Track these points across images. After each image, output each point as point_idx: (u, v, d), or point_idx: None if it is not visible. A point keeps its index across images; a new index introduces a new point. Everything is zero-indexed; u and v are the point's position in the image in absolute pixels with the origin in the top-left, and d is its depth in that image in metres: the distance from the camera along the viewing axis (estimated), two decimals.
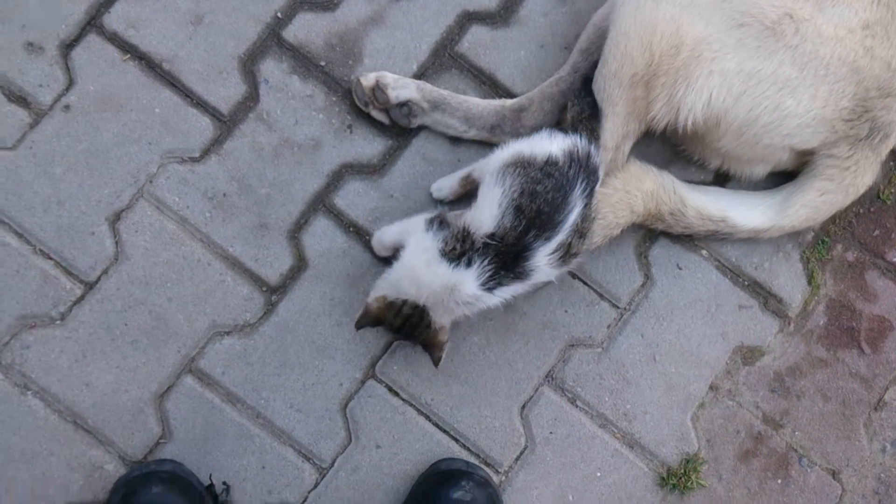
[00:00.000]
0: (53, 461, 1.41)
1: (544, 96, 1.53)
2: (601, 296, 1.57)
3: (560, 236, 1.27)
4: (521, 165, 1.28)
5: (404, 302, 1.30)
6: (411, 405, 1.50)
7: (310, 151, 1.54)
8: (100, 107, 1.50)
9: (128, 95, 1.51)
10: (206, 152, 1.52)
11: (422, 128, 1.56)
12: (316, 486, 1.46)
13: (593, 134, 1.39)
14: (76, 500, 1.41)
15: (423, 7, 1.60)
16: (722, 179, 1.61)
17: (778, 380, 1.58)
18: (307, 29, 1.57)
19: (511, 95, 1.59)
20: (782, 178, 1.58)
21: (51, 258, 1.46)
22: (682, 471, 1.52)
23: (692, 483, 1.51)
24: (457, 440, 1.50)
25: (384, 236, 1.46)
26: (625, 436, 1.54)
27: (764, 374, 1.58)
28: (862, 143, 1.45)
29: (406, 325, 1.32)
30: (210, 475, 1.43)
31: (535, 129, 1.46)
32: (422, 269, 1.28)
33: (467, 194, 1.49)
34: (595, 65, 1.46)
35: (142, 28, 1.53)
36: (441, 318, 1.32)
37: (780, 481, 1.55)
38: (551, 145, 1.32)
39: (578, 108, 1.42)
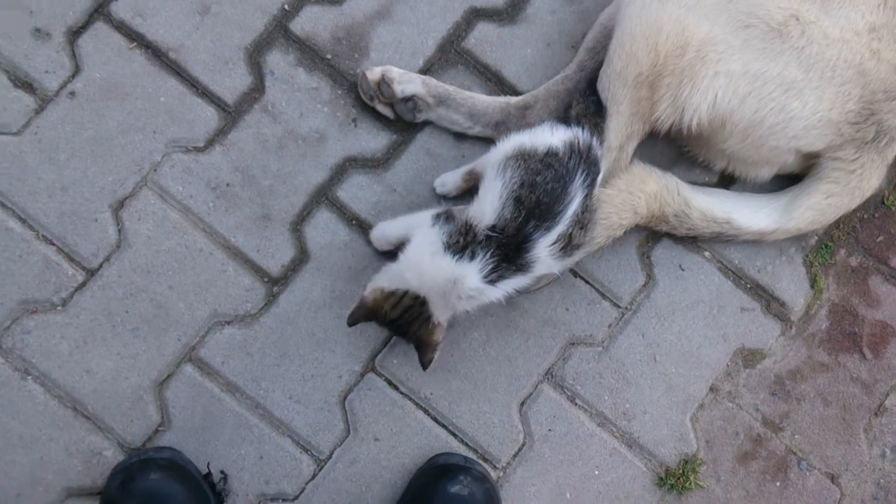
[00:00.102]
0: (52, 446, 1.42)
1: (550, 94, 1.53)
2: (603, 295, 1.56)
3: (560, 227, 1.27)
4: (522, 157, 1.28)
5: (405, 293, 1.29)
6: (410, 399, 1.50)
7: (314, 144, 1.55)
8: (105, 94, 1.51)
9: (133, 84, 1.52)
10: (210, 142, 1.52)
11: (426, 123, 1.56)
12: (314, 477, 1.46)
13: (597, 130, 1.38)
14: (74, 485, 1.41)
15: (431, 2, 1.60)
16: (726, 182, 1.61)
17: (778, 383, 1.58)
18: (314, 22, 1.58)
19: (517, 93, 1.59)
20: (787, 181, 1.58)
21: (53, 244, 1.46)
22: (681, 471, 1.52)
23: (690, 483, 1.51)
24: (455, 435, 1.50)
25: (388, 231, 1.46)
26: (623, 435, 1.53)
27: (764, 377, 1.58)
28: (868, 146, 1.44)
29: (403, 318, 1.31)
30: (208, 464, 1.43)
31: None
32: (426, 262, 1.27)
33: (470, 190, 1.49)
34: (601, 64, 1.46)
35: (149, 17, 1.53)
36: (440, 314, 1.32)
37: (778, 484, 1.55)
38: (552, 137, 1.31)
39: (583, 107, 1.42)
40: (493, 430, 1.51)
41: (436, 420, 1.50)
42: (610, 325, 1.56)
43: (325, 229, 1.52)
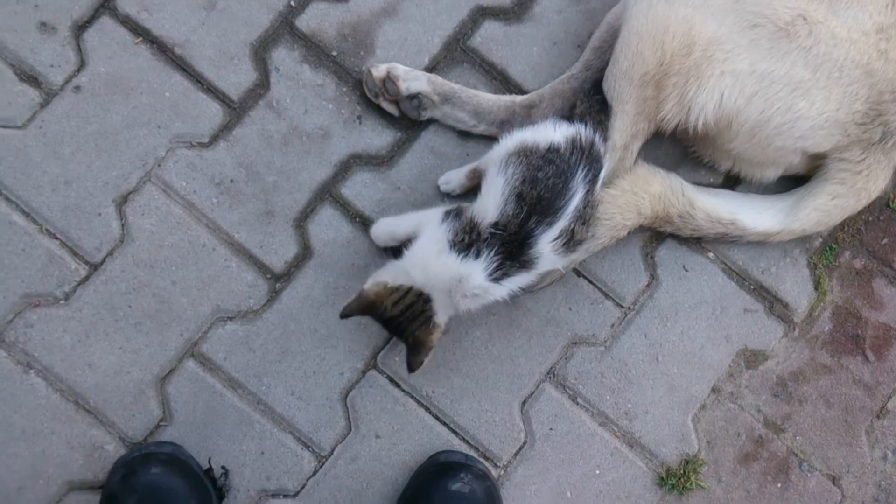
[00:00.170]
0: (54, 440, 1.42)
1: (555, 93, 1.53)
2: (606, 294, 1.56)
3: (562, 222, 1.27)
4: (524, 154, 1.28)
5: (409, 289, 1.28)
6: (412, 397, 1.50)
7: (318, 141, 1.54)
8: (110, 89, 1.51)
9: (138, 78, 1.52)
10: (214, 138, 1.52)
11: (431, 121, 1.56)
12: (314, 473, 1.46)
13: (600, 126, 1.38)
14: (76, 478, 1.41)
15: (437, 0, 1.60)
16: (731, 183, 1.61)
17: (781, 384, 1.57)
18: (320, 18, 1.57)
19: (522, 92, 1.59)
20: (792, 182, 1.57)
21: (57, 238, 1.46)
22: (682, 471, 1.52)
23: (691, 484, 1.51)
24: (456, 433, 1.50)
25: (395, 227, 1.44)
26: (625, 435, 1.53)
27: (767, 378, 1.57)
28: (874, 147, 1.44)
29: (404, 315, 1.29)
30: (209, 459, 1.43)
31: None
32: (432, 259, 1.27)
33: (475, 188, 1.48)
34: (607, 64, 1.46)
35: (154, 12, 1.53)
36: (442, 314, 1.31)
37: (779, 485, 1.55)
38: (554, 133, 1.31)
39: (587, 105, 1.42)
40: (494, 429, 1.50)
41: (437, 418, 1.50)
42: (613, 325, 1.56)
43: (328, 226, 1.52)
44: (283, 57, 1.56)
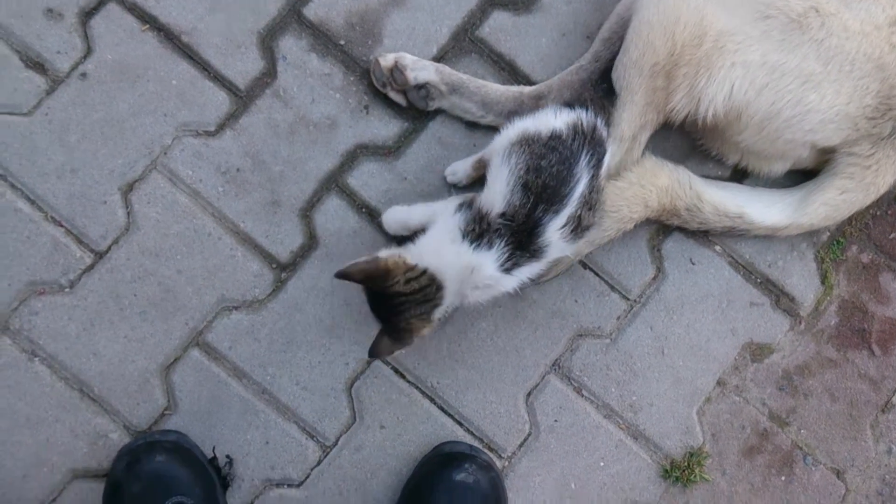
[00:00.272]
0: (58, 428, 1.41)
1: (564, 84, 1.52)
2: (612, 287, 1.56)
3: (568, 209, 1.26)
4: (527, 142, 1.28)
5: (425, 271, 1.26)
6: (417, 387, 1.49)
7: (325, 130, 1.54)
8: (117, 76, 1.50)
9: (145, 66, 1.51)
10: (221, 127, 1.52)
11: (438, 111, 1.55)
12: (319, 463, 1.46)
13: (603, 111, 1.36)
14: (80, 466, 1.41)
15: None
16: (739, 176, 1.60)
17: (786, 378, 1.57)
18: (328, 7, 1.56)
19: (530, 82, 1.58)
20: (800, 176, 1.57)
21: (62, 225, 1.46)
22: (686, 464, 1.52)
23: (695, 476, 1.51)
24: (461, 424, 1.50)
25: (408, 217, 1.43)
26: (629, 427, 1.53)
27: (772, 372, 1.57)
28: (884, 141, 1.43)
29: (413, 296, 1.25)
30: (213, 448, 1.43)
31: None
32: (446, 246, 1.27)
33: (481, 179, 1.48)
34: (616, 55, 1.45)
35: None
36: (443, 307, 1.30)
37: (783, 478, 1.55)
38: (556, 120, 1.30)
39: (592, 93, 1.41)
40: (499, 420, 1.50)
41: (442, 409, 1.50)
42: (618, 318, 1.56)
43: (334, 216, 1.52)
44: (291, 45, 1.55)
